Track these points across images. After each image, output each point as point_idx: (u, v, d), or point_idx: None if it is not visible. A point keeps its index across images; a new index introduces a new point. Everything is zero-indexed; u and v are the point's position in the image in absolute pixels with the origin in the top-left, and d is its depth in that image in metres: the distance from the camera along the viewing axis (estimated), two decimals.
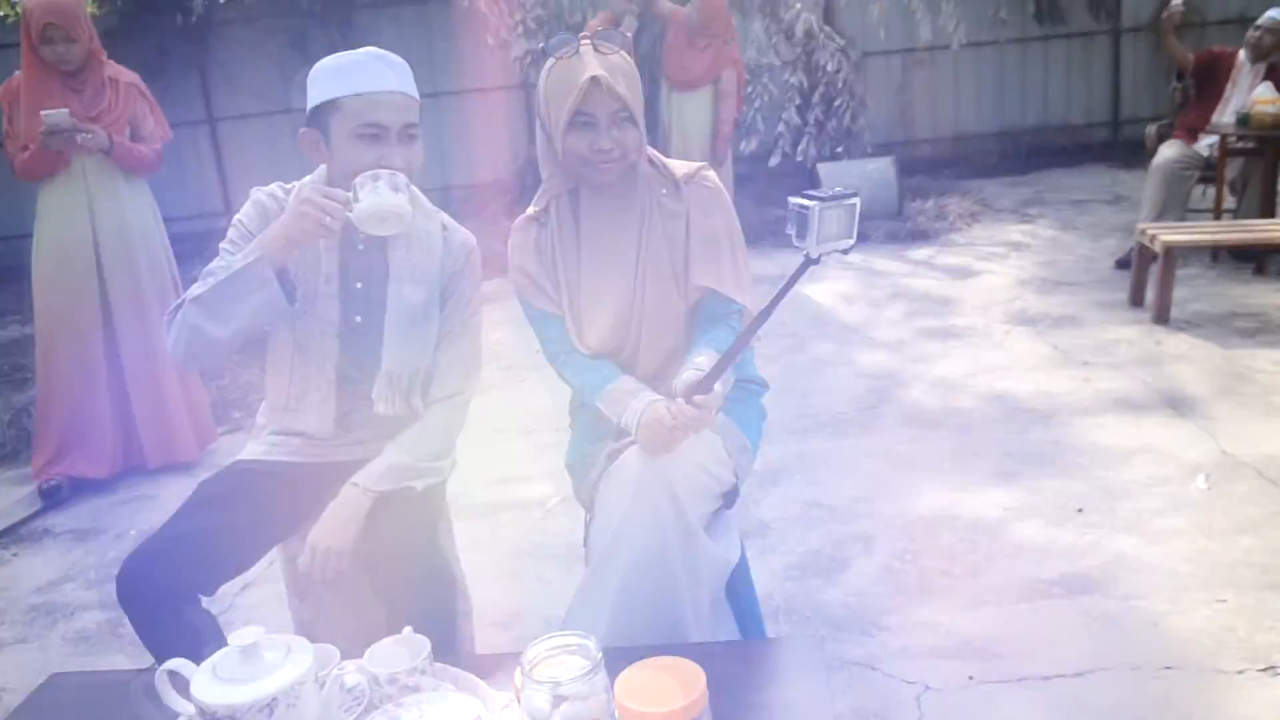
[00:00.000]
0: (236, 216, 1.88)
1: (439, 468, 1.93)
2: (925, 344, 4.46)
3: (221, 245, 1.85)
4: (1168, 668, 2.14)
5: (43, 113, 3.23)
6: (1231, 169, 5.32)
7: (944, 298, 5.16)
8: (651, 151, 1.88)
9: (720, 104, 5.98)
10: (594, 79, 1.69)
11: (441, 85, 7.96)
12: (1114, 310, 4.67)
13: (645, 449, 1.68)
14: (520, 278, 1.89)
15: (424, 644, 1.41)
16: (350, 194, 1.68)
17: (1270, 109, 4.92)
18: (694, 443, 1.69)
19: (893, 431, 3.56)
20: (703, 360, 1.68)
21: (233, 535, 1.79)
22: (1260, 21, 5.22)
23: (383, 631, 1.46)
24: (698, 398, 1.60)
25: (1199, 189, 5.48)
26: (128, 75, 3.55)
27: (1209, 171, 5.28)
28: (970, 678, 2.17)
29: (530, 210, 1.90)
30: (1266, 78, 5.15)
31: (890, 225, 6.72)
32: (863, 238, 6.75)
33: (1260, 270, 5.06)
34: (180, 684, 1.31)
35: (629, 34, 6.14)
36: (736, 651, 1.57)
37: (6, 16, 7.54)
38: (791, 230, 1.37)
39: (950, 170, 8.46)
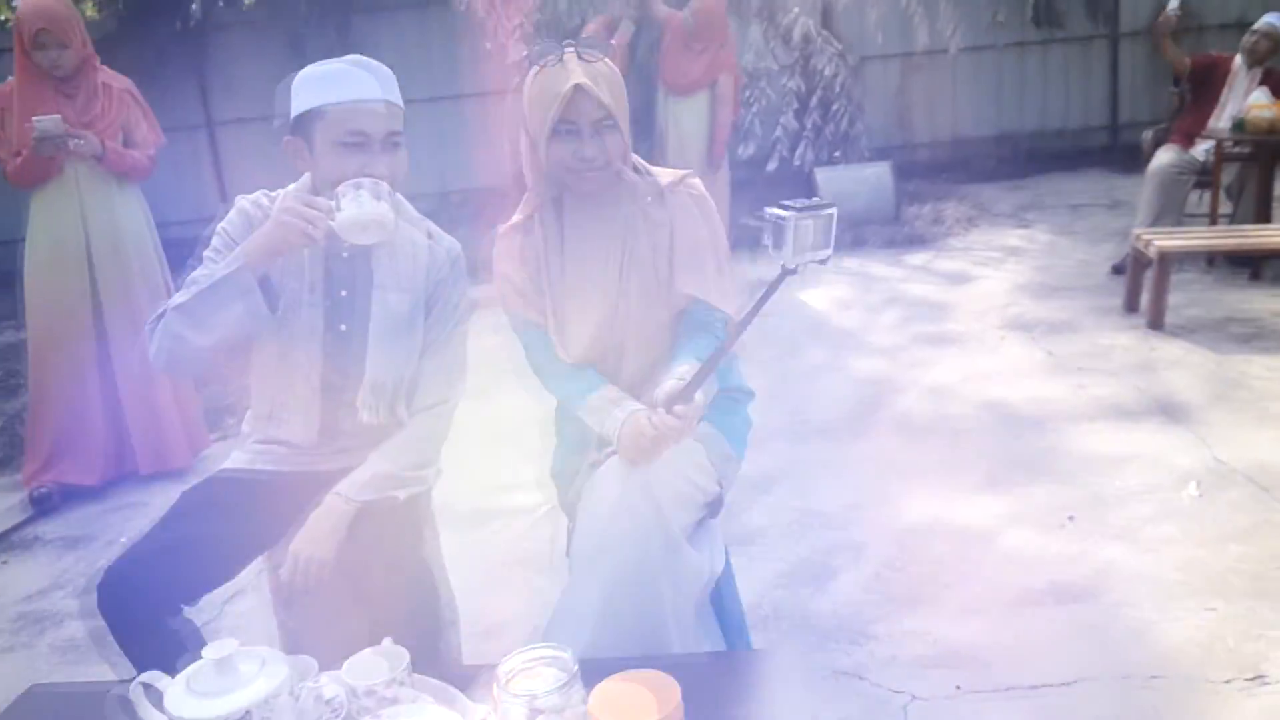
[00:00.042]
0: (220, 224, 1.88)
1: (423, 477, 1.92)
2: (920, 350, 4.46)
3: (205, 253, 1.84)
4: (1155, 677, 2.13)
5: (34, 119, 3.23)
6: (1228, 174, 5.31)
7: (940, 303, 5.16)
8: (636, 159, 1.88)
9: (717, 109, 5.97)
10: (577, 87, 1.68)
11: (440, 89, 7.96)
12: (1109, 316, 4.66)
13: (627, 459, 1.67)
14: (505, 286, 1.88)
15: (403, 655, 1.40)
16: (333, 202, 1.68)
17: (1265, 114, 4.91)
18: (677, 452, 1.69)
19: (885, 438, 3.55)
20: (684, 369, 1.68)
21: (215, 545, 1.78)
22: (1256, 26, 5.22)
23: (369, 641, 1.46)
24: (678, 408, 1.60)
25: (1195, 194, 5.47)
26: (120, 81, 3.55)
27: (1205, 177, 5.26)
28: (958, 687, 2.16)
29: (515, 218, 1.89)
30: (1262, 83, 5.14)
31: (888, 230, 6.72)
32: (860, 243, 6.74)
33: (1256, 276, 5.05)
34: (155, 696, 1.30)
35: (626, 38, 6.15)
36: (716, 663, 1.57)
37: (7, 21, 7.55)
38: (768, 241, 1.37)
39: (948, 175, 8.46)
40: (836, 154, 7.42)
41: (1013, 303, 5.02)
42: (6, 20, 7.55)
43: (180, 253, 3.96)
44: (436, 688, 1.43)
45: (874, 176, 7.04)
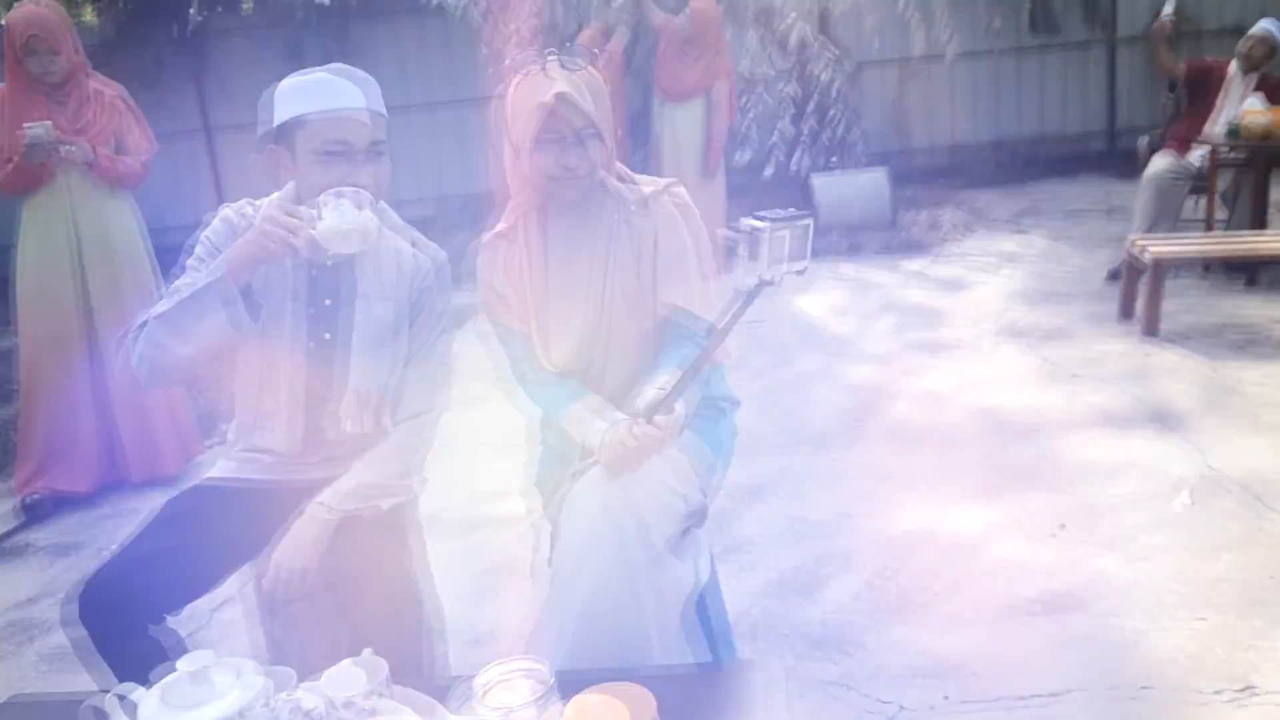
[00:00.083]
0: (204, 233, 1.88)
1: (407, 486, 1.92)
2: (914, 357, 4.45)
3: (188, 262, 1.84)
4: (1145, 688, 2.12)
5: (25, 126, 3.23)
6: (1223, 181, 5.30)
7: (935, 310, 5.15)
8: (621, 167, 1.88)
9: (712, 115, 5.97)
10: (560, 96, 1.68)
11: (438, 95, 7.96)
12: (1104, 323, 4.65)
13: (608, 469, 1.67)
14: (488, 294, 1.88)
15: (382, 666, 1.39)
16: (314, 212, 1.68)
17: (1261, 120, 4.91)
18: (659, 462, 1.68)
19: (878, 446, 3.54)
20: (666, 379, 1.67)
21: (198, 554, 1.78)
22: (1251, 32, 5.22)
23: (354, 651, 1.45)
24: (659, 417, 1.59)
25: (1191, 200, 5.46)
26: (112, 88, 3.55)
27: (1200, 183, 5.26)
28: (945, 697, 2.15)
29: (499, 227, 1.89)
30: (1258, 89, 5.13)
31: (884, 236, 6.71)
32: (856, 249, 6.72)
33: (1251, 282, 5.04)
34: (130, 707, 1.30)
35: (622, 44, 6.16)
36: (696, 676, 1.56)
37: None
38: (744, 252, 1.36)
39: (945, 181, 8.45)
40: (833, 160, 7.42)
41: (1008, 310, 5.02)
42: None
43: (177, 258, 3.95)
44: (417, 699, 1.42)
45: (871, 182, 7.04)
